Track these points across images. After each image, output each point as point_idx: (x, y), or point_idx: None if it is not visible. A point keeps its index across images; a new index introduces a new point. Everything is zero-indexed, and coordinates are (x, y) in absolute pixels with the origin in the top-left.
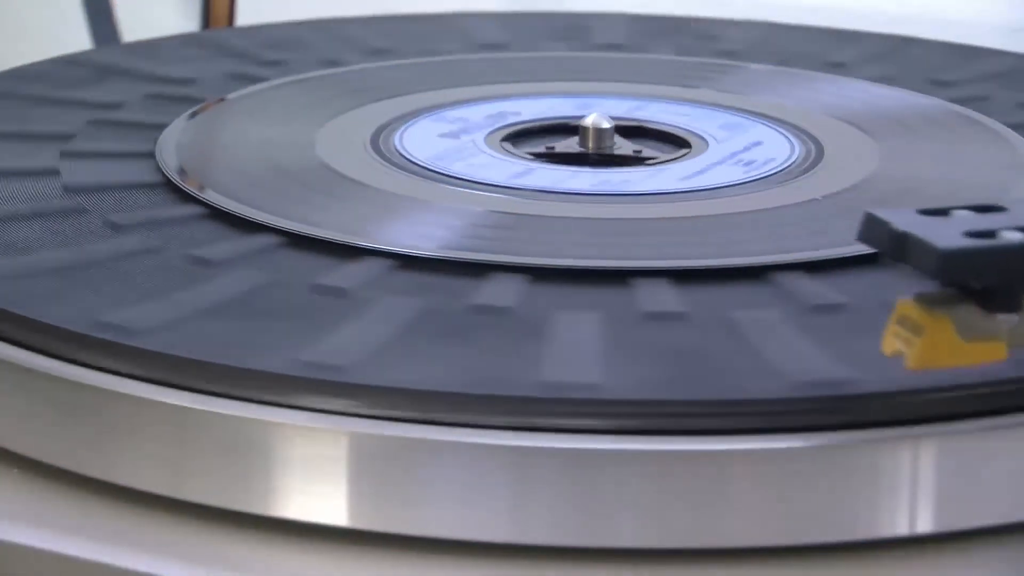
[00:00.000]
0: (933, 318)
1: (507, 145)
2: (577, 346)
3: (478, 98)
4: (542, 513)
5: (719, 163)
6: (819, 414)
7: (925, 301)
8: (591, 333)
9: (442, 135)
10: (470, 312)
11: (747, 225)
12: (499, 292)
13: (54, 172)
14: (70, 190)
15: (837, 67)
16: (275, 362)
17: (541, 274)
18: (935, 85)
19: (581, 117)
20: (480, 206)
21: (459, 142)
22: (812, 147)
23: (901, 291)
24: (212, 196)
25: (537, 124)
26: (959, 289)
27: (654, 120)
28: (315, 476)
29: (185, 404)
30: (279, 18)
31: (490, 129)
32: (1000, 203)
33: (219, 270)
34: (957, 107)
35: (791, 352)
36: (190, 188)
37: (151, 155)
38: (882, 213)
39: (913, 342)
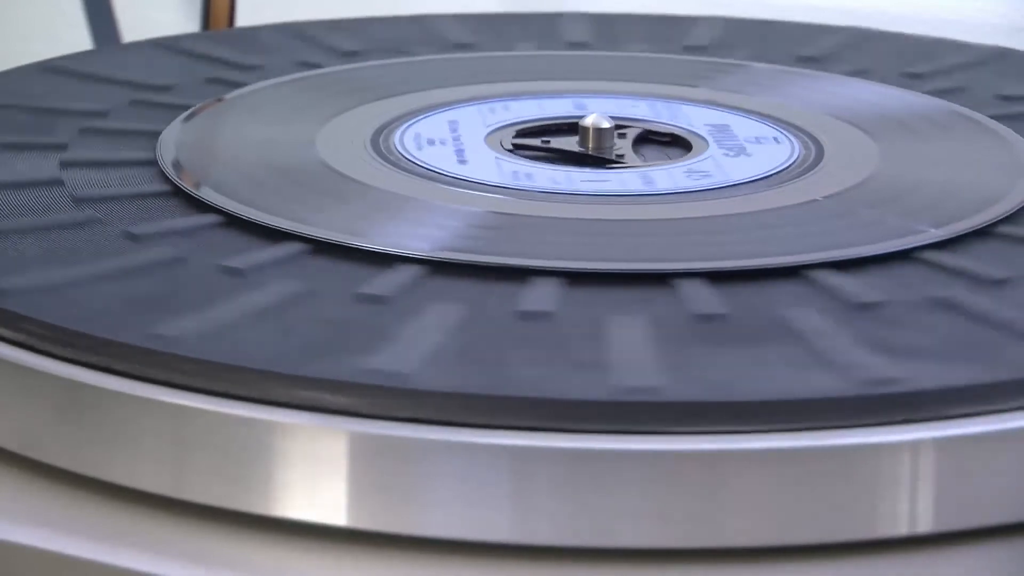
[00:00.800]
0: None
1: (507, 145)
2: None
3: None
4: (542, 513)
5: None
6: (819, 414)
7: None
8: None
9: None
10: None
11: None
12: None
13: (58, 182)
14: (79, 200)
15: (837, 67)
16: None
17: (541, 275)
18: (936, 85)
19: (581, 117)
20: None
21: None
22: (812, 147)
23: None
24: (212, 196)
25: (537, 124)
26: None
27: (654, 120)
28: (315, 476)
29: (185, 404)
30: (279, 18)
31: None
32: None
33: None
34: (957, 107)
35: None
36: (192, 190)
37: (151, 161)
38: None
39: None
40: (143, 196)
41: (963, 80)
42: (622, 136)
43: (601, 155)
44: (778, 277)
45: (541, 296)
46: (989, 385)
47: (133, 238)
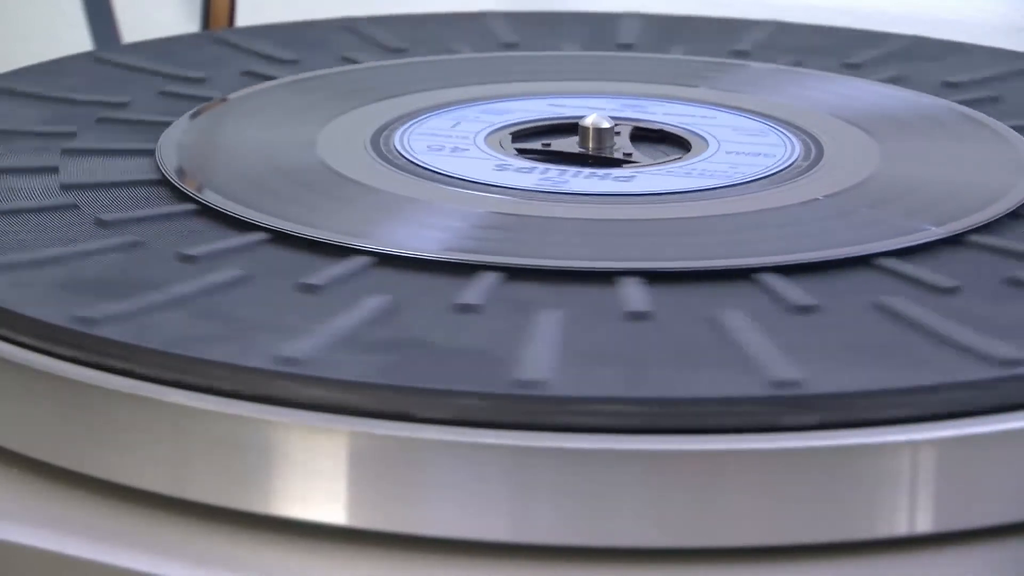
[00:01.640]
0: None
1: (507, 145)
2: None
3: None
4: (542, 512)
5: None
6: (819, 414)
7: None
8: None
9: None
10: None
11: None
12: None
13: (54, 170)
14: (66, 187)
15: (838, 67)
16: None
17: (541, 275)
18: (936, 85)
19: (581, 117)
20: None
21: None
22: (812, 147)
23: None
24: (211, 196)
25: (537, 124)
26: None
27: (654, 120)
28: (315, 476)
29: (185, 404)
30: (279, 18)
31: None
32: None
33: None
34: (958, 107)
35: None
36: (187, 187)
37: (152, 153)
38: None
39: None
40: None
41: (964, 80)
42: (618, 135)
43: (601, 155)
44: (783, 274)
45: (541, 295)
46: (989, 385)
47: (102, 224)
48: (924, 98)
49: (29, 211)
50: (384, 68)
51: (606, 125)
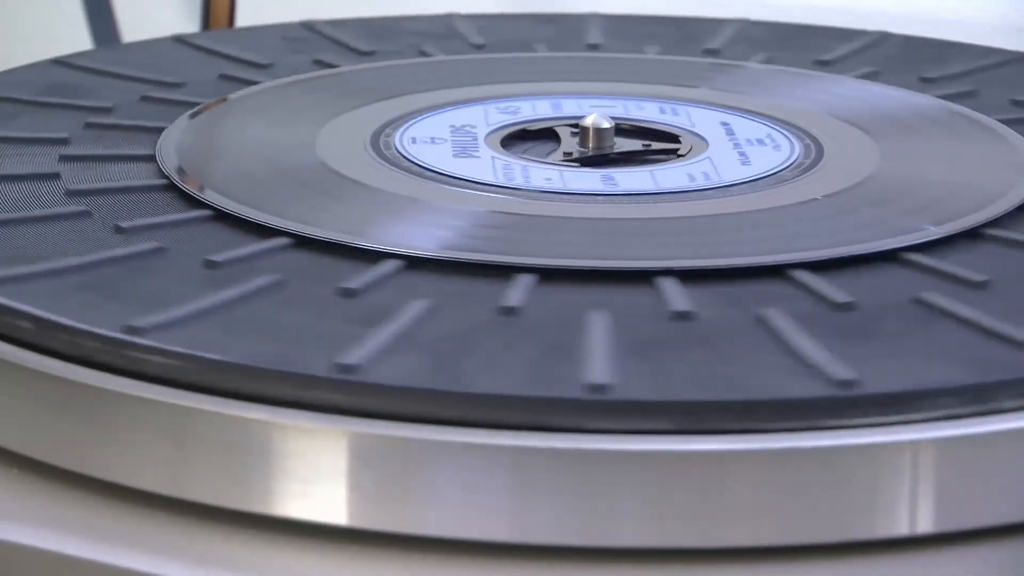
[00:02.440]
0: None
1: (507, 145)
2: (577, 346)
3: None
4: (542, 513)
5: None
6: (819, 414)
7: None
8: (591, 333)
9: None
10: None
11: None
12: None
13: (55, 176)
14: (72, 194)
15: (836, 67)
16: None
17: (541, 274)
18: (937, 85)
19: (581, 117)
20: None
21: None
22: (812, 147)
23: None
24: (213, 197)
25: (537, 124)
26: None
27: (654, 120)
28: (315, 476)
29: (185, 404)
30: (279, 18)
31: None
32: None
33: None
34: (957, 107)
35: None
36: (191, 189)
37: (151, 157)
38: None
39: None
40: (139, 192)
41: (965, 81)
42: (622, 136)
43: (601, 155)
44: (783, 273)
45: (539, 295)
46: (989, 385)
47: (118, 230)
48: (924, 98)
49: (41, 219)
50: (385, 69)
51: (606, 125)
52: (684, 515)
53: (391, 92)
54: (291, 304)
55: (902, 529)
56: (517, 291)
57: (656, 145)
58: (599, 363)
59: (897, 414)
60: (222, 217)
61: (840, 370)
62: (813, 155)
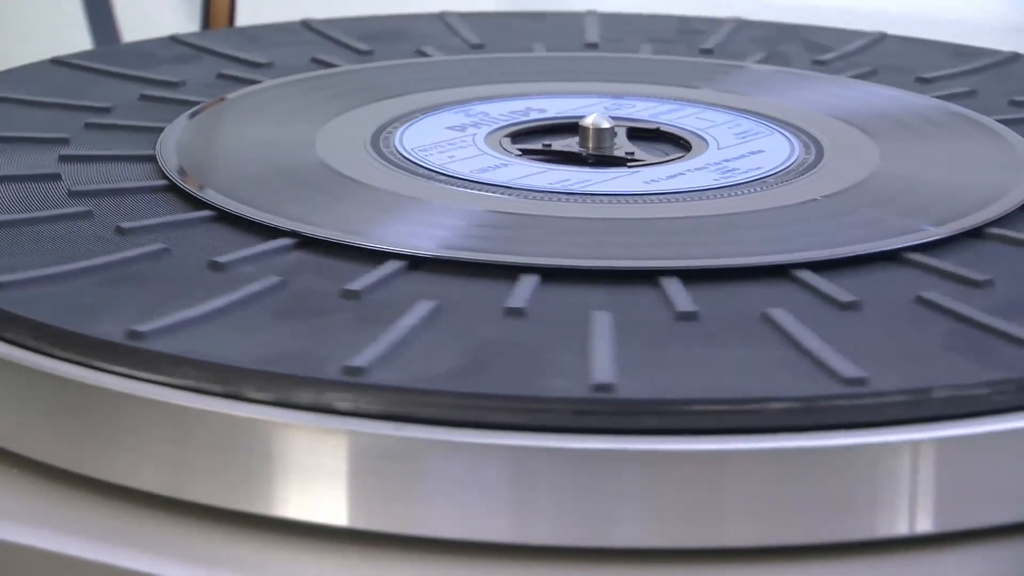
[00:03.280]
0: None
1: (507, 145)
2: (577, 346)
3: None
4: (542, 513)
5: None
6: (819, 414)
7: None
8: (590, 333)
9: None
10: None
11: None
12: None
13: (55, 177)
14: (74, 195)
15: (837, 68)
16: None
17: (541, 274)
18: (936, 85)
19: (581, 117)
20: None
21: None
22: (812, 147)
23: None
24: (213, 196)
25: (537, 124)
26: None
27: (654, 120)
28: (315, 476)
29: (185, 404)
30: (279, 18)
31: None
32: None
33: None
34: (957, 107)
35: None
36: (191, 189)
37: (151, 158)
38: None
39: None
40: (140, 192)
41: (966, 81)
42: (619, 135)
43: (601, 154)
44: (783, 273)
45: (540, 295)
46: (989, 385)
47: (124, 233)
48: (923, 98)
49: (44, 220)
50: (385, 69)
51: (606, 125)
52: (684, 515)
53: (391, 92)
54: (293, 304)
55: (902, 529)
56: (519, 291)
57: (654, 148)
58: (602, 363)
59: (897, 414)
60: (223, 217)
61: (848, 368)
62: (813, 155)
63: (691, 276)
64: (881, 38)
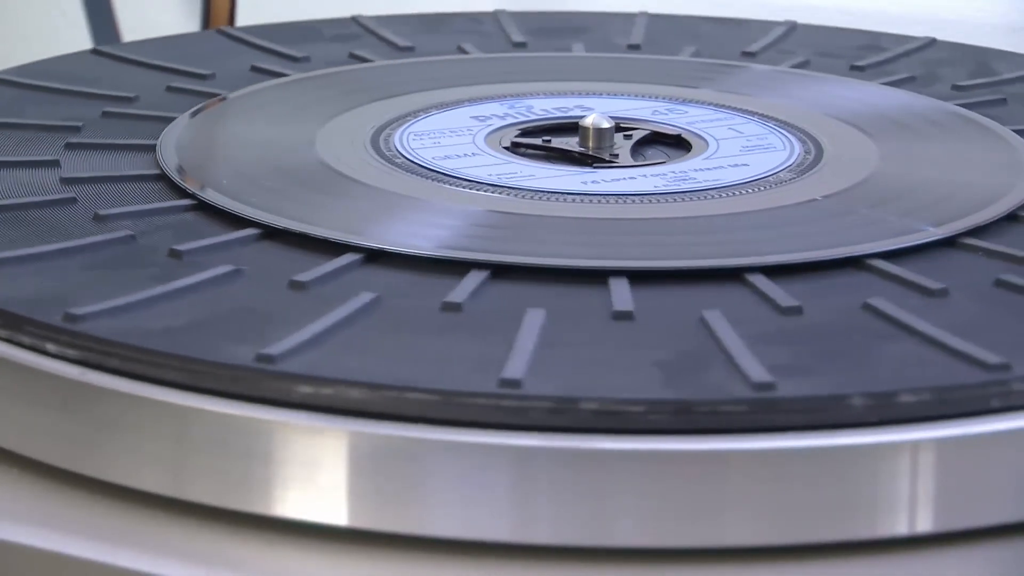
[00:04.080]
0: None
1: (507, 145)
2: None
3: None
4: (542, 513)
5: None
6: (819, 414)
7: None
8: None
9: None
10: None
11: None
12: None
13: (55, 163)
14: (67, 182)
15: (815, 64)
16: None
17: (541, 274)
18: (935, 85)
19: (581, 117)
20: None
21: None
22: (812, 147)
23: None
24: (208, 193)
25: (537, 124)
26: None
27: (654, 120)
28: (315, 476)
29: (185, 404)
30: (279, 18)
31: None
32: None
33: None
34: (956, 107)
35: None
36: (185, 183)
37: (152, 147)
38: None
39: None
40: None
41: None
42: (628, 137)
43: (601, 155)
44: (783, 273)
45: (542, 295)
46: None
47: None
48: (923, 99)
49: (29, 206)
50: (385, 68)
51: (606, 125)
52: (684, 515)
53: (391, 92)
54: (292, 304)
55: (902, 529)
56: (521, 290)
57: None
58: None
59: (897, 414)
60: (217, 213)
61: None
62: (813, 156)
63: (686, 277)
64: (931, 43)
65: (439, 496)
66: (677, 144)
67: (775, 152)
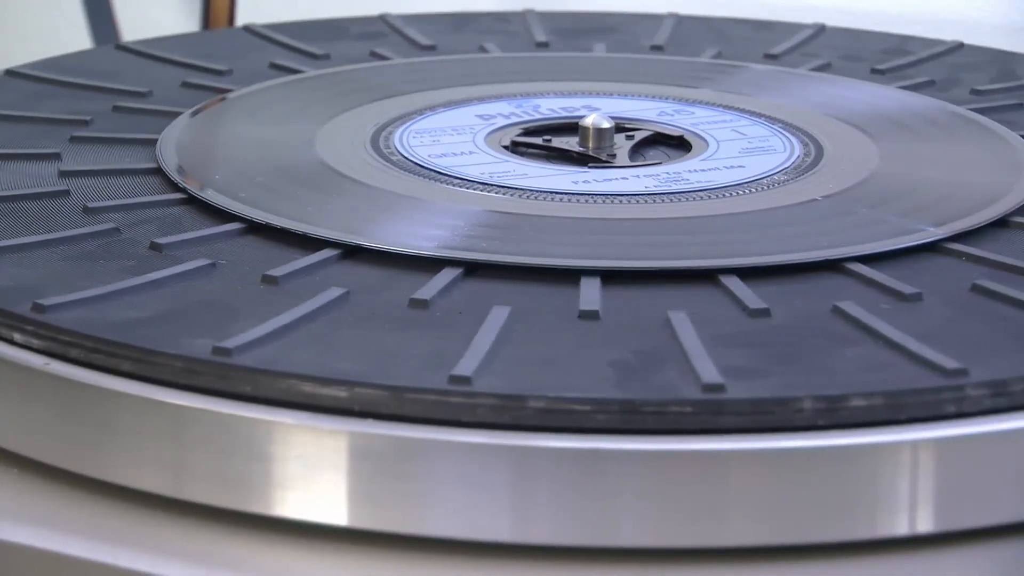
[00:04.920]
0: None
1: (506, 145)
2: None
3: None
4: (542, 513)
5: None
6: (820, 414)
7: None
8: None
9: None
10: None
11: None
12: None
13: (57, 156)
14: (64, 175)
15: (836, 67)
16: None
17: (513, 272)
18: (954, 90)
19: (581, 117)
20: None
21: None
22: (812, 147)
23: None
24: (211, 195)
25: (537, 124)
26: None
27: (659, 121)
28: (315, 476)
29: (185, 404)
30: (279, 18)
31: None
32: None
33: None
34: (956, 107)
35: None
36: (177, 178)
37: (152, 141)
38: None
39: None
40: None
41: (965, 80)
42: (630, 137)
43: (600, 155)
44: (783, 273)
45: (536, 294)
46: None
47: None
48: (923, 99)
49: (23, 198)
50: (385, 68)
51: (606, 125)
52: (684, 515)
53: (391, 92)
54: (260, 298)
55: (902, 529)
56: (492, 288)
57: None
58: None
59: (897, 414)
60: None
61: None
62: (813, 156)
63: (685, 276)
64: (959, 47)
65: (439, 496)
66: (679, 145)
67: (774, 154)
